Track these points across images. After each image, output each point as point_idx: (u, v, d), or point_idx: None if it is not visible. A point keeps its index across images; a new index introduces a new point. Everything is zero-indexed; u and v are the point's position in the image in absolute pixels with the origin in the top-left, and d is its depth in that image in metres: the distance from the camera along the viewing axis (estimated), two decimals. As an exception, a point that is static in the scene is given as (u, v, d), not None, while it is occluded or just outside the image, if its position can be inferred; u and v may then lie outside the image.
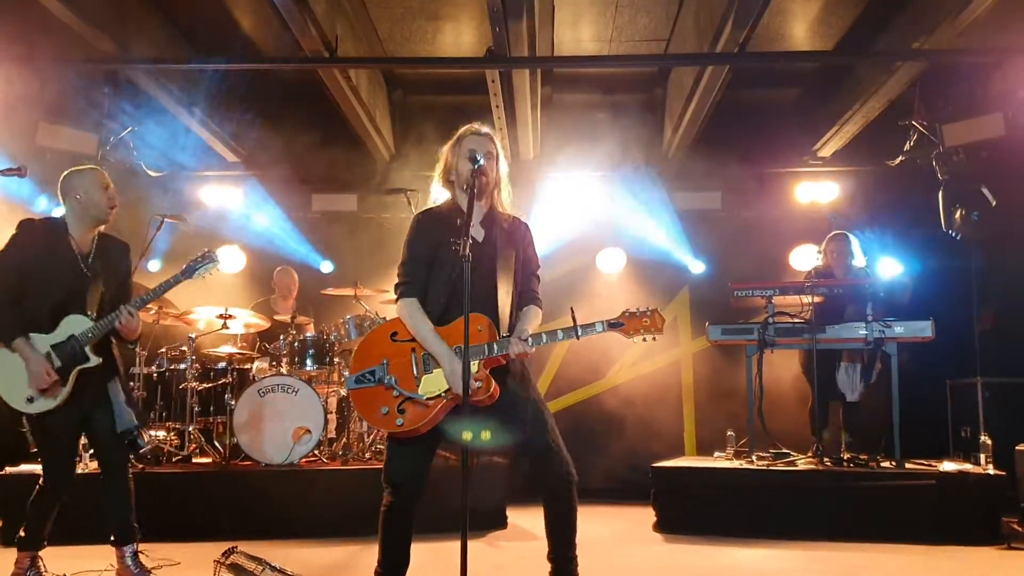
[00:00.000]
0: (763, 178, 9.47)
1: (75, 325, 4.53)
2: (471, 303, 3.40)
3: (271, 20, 6.90)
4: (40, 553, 4.73)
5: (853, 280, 7.32)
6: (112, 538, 4.74)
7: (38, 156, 7.21)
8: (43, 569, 4.71)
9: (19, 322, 4.47)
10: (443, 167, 3.98)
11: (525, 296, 3.94)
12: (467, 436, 3.36)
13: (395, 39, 8.13)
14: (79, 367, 4.52)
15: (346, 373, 7.65)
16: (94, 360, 4.54)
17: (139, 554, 4.78)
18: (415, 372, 3.71)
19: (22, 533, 4.68)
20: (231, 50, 7.88)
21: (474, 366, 3.58)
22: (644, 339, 3.77)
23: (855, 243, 7.53)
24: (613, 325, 3.73)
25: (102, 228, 4.78)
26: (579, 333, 3.70)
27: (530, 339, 3.68)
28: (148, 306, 7.40)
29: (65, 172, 4.77)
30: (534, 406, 3.78)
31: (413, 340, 3.77)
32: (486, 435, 3.58)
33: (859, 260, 7.51)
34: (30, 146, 7.19)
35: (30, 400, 4.47)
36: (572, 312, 3.78)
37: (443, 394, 3.65)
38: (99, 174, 4.78)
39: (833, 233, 7.68)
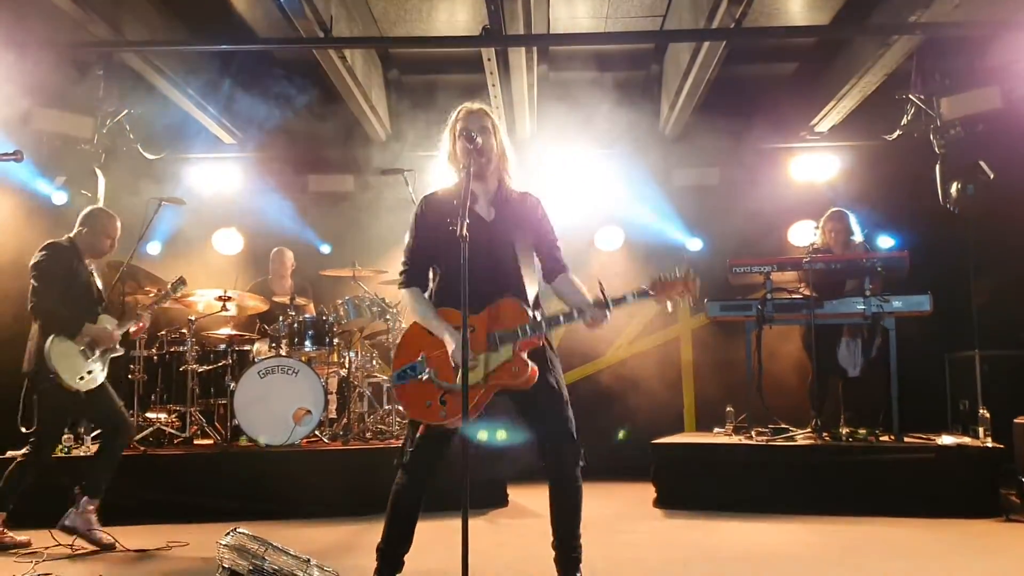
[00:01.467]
0: (760, 154, 9.45)
1: (108, 323, 5.61)
2: (496, 285, 3.43)
3: (265, 1, 6.86)
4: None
5: (850, 255, 7.31)
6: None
7: (34, 140, 7.18)
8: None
9: (77, 316, 5.50)
10: (447, 152, 3.96)
11: (554, 268, 3.93)
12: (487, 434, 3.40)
13: (389, 18, 8.08)
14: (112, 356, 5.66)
15: (346, 354, 7.67)
16: (118, 352, 5.67)
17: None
18: (453, 364, 3.69)
19: None
20: (226, 32, 7.86)
21: (508, 351, 3.60)
22: (679, 303, 3.74)
23: (853, 220, 7.52)
24: (643, 294, 3.69)
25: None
26: (610, 307, 3.65)
27: (570, 314, 3.68)
28: (146, 288, 7.44)
29: (89, 208, 5.87)
30: (557, 392, 3.78)
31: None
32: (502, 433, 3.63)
33: (858, 236, 7.51)
34: (26, 130, 7.16)
35: (82, 378, 5.41)
36: (600, 286, 3.72)
37: (482, 381, 3.63)
38: (109, 222, 5.77)
39: (831, 210, 7.67)
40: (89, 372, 5.46)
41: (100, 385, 5.56)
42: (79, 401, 5.46)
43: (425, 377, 3.72)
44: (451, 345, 3.66)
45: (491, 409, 3.66)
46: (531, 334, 3.62)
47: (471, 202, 3.65)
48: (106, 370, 5.63)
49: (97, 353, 5.53)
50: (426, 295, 3.93)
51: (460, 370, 3.54)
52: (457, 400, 3.60)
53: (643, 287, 3.67)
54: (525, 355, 3.64)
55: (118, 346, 5.69)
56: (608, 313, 3.64)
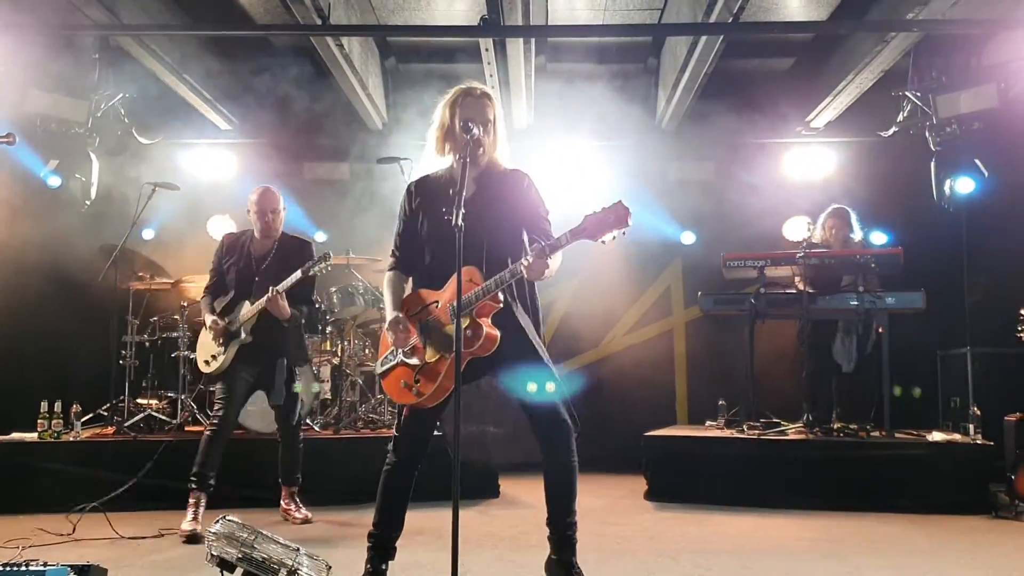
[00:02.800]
0: (756, 148, 9.44)
1: (240, 308, 5.76)
2: (467, 260, 3.40)
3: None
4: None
5: (844, 251, 7.33)
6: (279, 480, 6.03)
7: (28, 123, 7.15)
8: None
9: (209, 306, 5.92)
10: (439, 129, 3.91)
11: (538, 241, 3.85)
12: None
13: (388, 6, 8.05)
14: (235, 341, 5.72)
15: (338, 342, 7.66)
16: (245, 337, 5.69)
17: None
18: (421, 342, 3.74)
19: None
20: (223, 17, 7.82)
21: (465, 319, 3.56)
22: (614, 237, 3.52)
23: (854, 217, 7.54)
24: (577, 232, 3.53)
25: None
26: (548, 251, 3.53)
27: (530, 258, 3.54)
28: (139, 273, 7.41)
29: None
30: (539, 363, 3.76)
31: (419, 312, 3.79)
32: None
33: (857, 234, 7.53)
34: (20, 113, 7.13)
35: (207, 363, 5.85)
36: (534, 239, 3.72)
37: (445, 354, 3.64)
38: (260, 198, 5.92)
39: (833, 207, 7.68)
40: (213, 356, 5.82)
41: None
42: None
43: (400, 361, 3.78)
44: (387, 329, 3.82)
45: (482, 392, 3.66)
46: (482, 295, 3.59)
47: (457, 182, 3.58)
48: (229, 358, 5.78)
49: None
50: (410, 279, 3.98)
51: (427, 349, 3.68)
52: (430, 377, 3.66)
53: (576, 226, 3.54)
54: (485, 320, 3.62)
55: (245, 334, 5.76)
56: (547, 259, 3.53)
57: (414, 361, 3.74)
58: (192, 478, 5.51)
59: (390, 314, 3.82)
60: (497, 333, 3.63)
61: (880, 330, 7.17)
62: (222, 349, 5.75)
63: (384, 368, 3.89)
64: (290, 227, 8.76)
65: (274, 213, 5.90)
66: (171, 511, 5.72)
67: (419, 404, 3.74)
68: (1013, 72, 7.35)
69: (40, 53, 6.96)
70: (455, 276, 3.41)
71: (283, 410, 5.94)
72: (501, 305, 3.67)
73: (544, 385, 3.74)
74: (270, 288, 5.53)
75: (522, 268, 3.55)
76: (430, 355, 3.70)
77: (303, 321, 6.02)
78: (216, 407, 5.70)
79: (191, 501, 5.46)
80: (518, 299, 3.78)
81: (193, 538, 5.19)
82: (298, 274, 5.52)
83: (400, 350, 3.77)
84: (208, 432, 5.61)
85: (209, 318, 5.83)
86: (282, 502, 5.99)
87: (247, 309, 5.69)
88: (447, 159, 3.93)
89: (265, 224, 5.87)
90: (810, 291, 7.09)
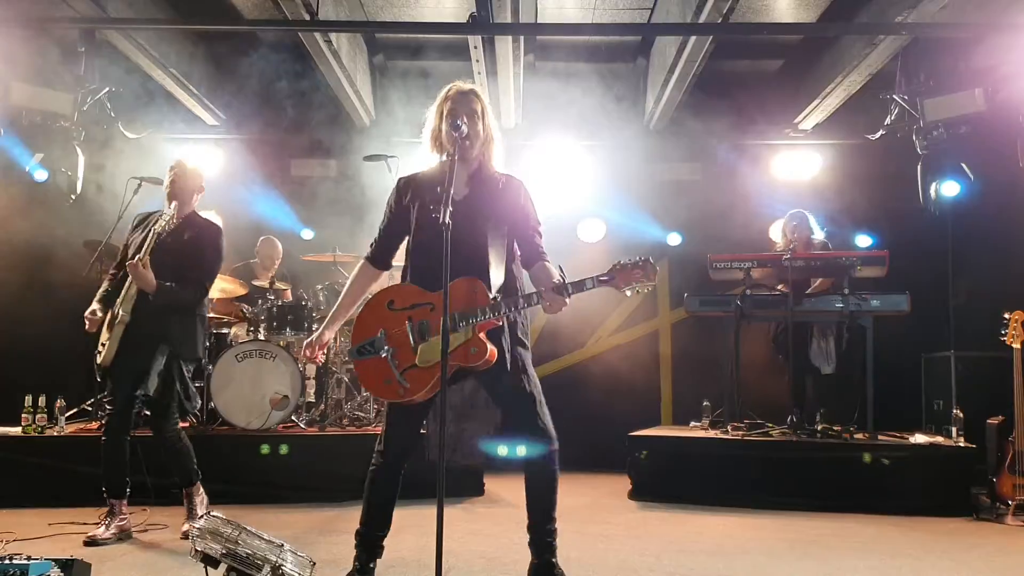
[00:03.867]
0: (744, 150, 9.48)
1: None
2: (455, 265, 3.39)
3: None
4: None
5: (831, 253, 7.38)
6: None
7: (13, 117, 7.10)
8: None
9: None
10: (431, 130, 3.92)
11: (531, 255, 3.87)
12: None
13: (376, 3, 8.04)
14: (115, 322, 5.13)
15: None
16: (122, 315, 5.10)
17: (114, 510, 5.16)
18: (412, 341, 3.70)
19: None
20: (211, 12, 7.78)
21: (466, 331, 3.57)
22: (638, 292, 3.64)
23: (813, 220, 7.60)
24: (603, 281, 3.61)
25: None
26: (569, 291, 3.59)
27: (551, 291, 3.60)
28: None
29: None
30: (524, 374, 3.77)
31: (410, 308, 3.75)
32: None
33: (818, 236, 7.58)
34: (4, 106, 7.08)
35: (98, 353, 5.23)
36: (560, 270, 3.71)
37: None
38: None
39: (791, 212, 7.76)
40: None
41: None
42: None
43: (384, 355, 3.73)
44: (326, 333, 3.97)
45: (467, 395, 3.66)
46: (491, 315, 3.58)
47: (446, 180, 3.59)
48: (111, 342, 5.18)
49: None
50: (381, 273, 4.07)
51: (419, 350, 3.64)
52: (418, 378, 3.64)
53: (603, 273, 3.62)
54: (483, 336, 3.62)
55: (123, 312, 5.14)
56: (567, 298, 3.59)
57: (399, 361, 3.71)
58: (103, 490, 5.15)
59: (330, 321, 3.97)
60: (495, 350, 3.63)
61: (847, 336, 7.27)
62: (108, 335, 5.20)
63: (361, 357, 3.81)
64: (277, 223, 8.73)
65: (173, 185, 5.43)
66: (157, 506, 5.70)
67: (401, 401, 3.73)
68: (1000, 76, 7.39)
69: (24, 46, 6.92)
70: (457, 283, 3.45)
71: (154, 407, 5.27)
72: (501, 323, 3.67)
73: (525, 396, 3.73)
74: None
75: (539, 301, 3.61)
76: (422, 359, 3.67)
77: (179, 298, 5.20)
78: (107, 407, 5.30)
79: (106, 508, 5.15)
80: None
81: (93, 542, 4.89)
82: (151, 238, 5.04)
83: (387, 346, 3.74)
84: (102, 439, 5.16)
85: (90, 308, 5.32)
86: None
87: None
88: (439, 157, 3.93)
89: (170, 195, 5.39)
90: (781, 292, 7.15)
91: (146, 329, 5.10)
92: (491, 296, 3.61)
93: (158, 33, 7.82)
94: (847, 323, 7.21)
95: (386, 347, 3.72)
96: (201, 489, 5.42)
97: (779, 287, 7.38)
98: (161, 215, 5.30)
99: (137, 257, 4.97)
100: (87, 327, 5.27)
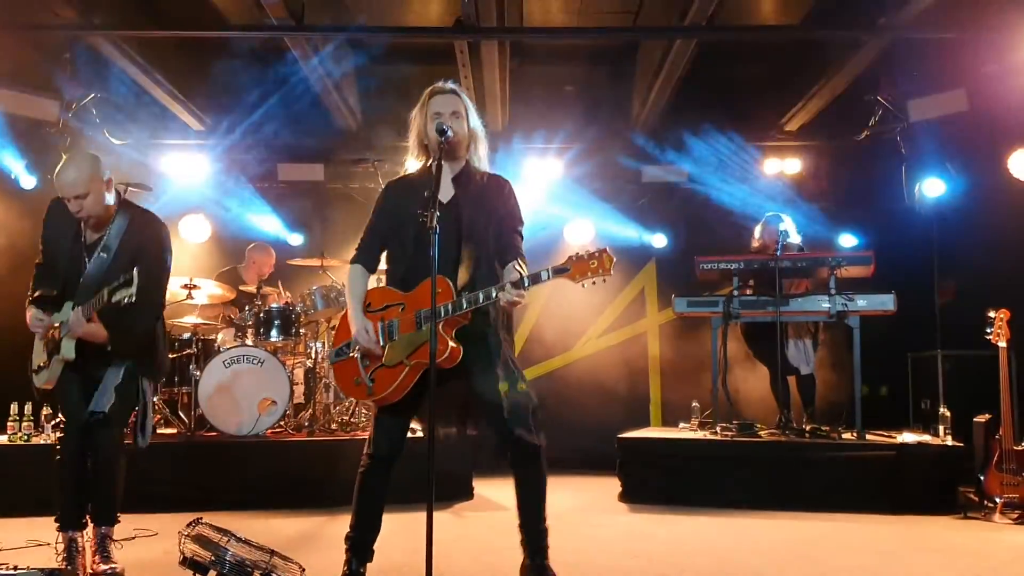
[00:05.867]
0: (730, 151, 9.50)
1: (66, 311, 4.37)
2: (441, 266, 3.39)
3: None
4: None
5: (815, 253, 7.41)
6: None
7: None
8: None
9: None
10: (415, 132, 3.92)
11: (508, 254, 3.81)
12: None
13: (361, 7, 8.03)
14: (56, 358, 4.41)
15: (312, 344, 7.64)
16: (66, 354, 4.32)
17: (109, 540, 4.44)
18: (380, 341, 3.73)
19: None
20: (196, 17, 7.76)
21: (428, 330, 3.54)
22: (594, 282, 3.55)
23: (789, 221, 7.63)
24: (559, 271, 3.55)
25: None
26: (526, 284, 3.54)
27: (509, 287, 3.53)
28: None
29: None
30: (505, 369, 3.74)
31: (383, 310, 3.78)
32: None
33: (794, 238, 7.61)
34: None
35: (35, 373, 4.60)
36: (519, 263, 3.70)
37: (405, 360, 3.65)
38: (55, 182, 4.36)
39: (768, 214, 7.81)
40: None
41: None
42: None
43: (355, 355, 3.79)
44: (352, 328, 3.79)
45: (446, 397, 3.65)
46: (452, 313, 3.57)
47: (433, 183, 3.59)
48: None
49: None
50: (370, 275, 3.99)
51: (409, 354, 3.64)
52: (384, 377, 3.68)
53: (559, 264, 3.57)
54: (450, 333, 3.61)
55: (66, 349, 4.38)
56: (523, 291, 3.55)
57: (368, 362, 3.75)
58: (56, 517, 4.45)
59: (356, 317, 3.80)
60: (460, 348, 3.62)
61: (822, 336, 7.37)
62: (44, 356, 4.55)
63: (338, 359, 3.90)
64: (265, 228, 8.65)
65: (80, 199, 4.29)
66: (145, 513, 5.67)
67: (371, 400, 3.78)
68: (982, 76, 7.45)
69: (10, 52, 6.90)
70: (426, 283, 3.44)
71: (99, 421, 4.37)
72: (467, 321, 3.67)
73: (511, 397, 3.70)
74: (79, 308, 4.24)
75: (496, 296, 3.55)
76: (388, 358, 3.69)
77: (137, 335, 4.46)
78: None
79: (63, 542, 4.39)
80: (489, 308, 3.75)
81: None
82: (95, 301, 4.15)
83: (358, 347, 3.76)
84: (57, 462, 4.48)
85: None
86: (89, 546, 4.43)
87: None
88: (424, 159, 3.94)
89: (75, 211, 4.36)
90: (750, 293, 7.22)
91: (95, 363, 4.41)
92: (454, 293, 3.61)
93: (143, 38, 7.79)
94: (821, 324, 7.29)
95: (357, 347, 3.78)
96: (113, 535, 4.48)
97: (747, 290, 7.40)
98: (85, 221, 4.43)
99: (77, 312, 4.22)
100: (40, 335, 4.53)
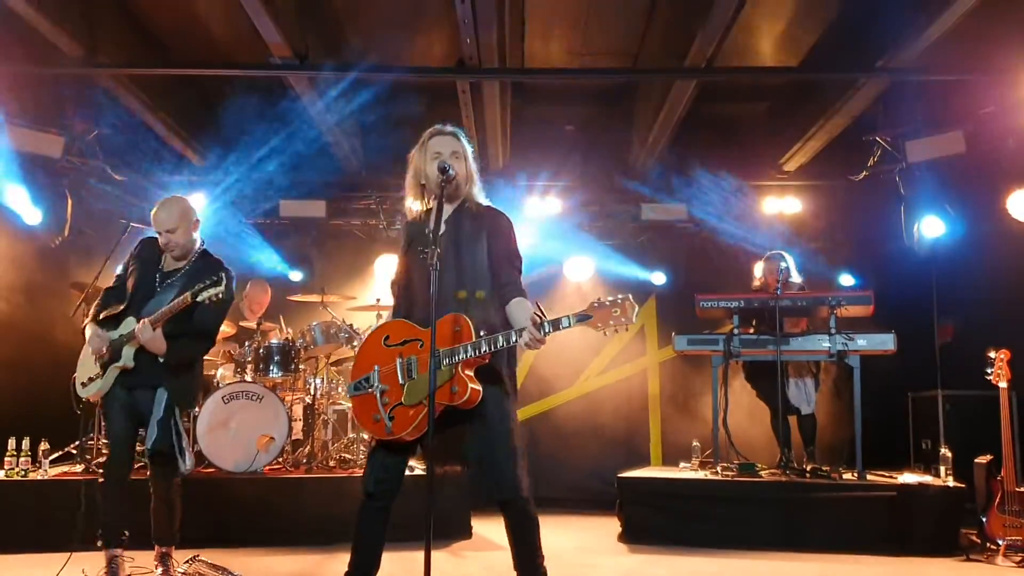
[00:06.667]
0: (729, 190, 9.55)
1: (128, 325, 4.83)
2: (441, 304, 3.40)
3: (241, 26, 6.86)
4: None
5: (815, 292, 7.43)
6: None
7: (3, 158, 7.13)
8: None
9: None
10: (412, 172, 3.96)
11: (507, 289, 3.81)
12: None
13: (364, 46, 8.10)
14: (114, 365, 4.83)
15: (311, 380, 7.63)
16: (126, 361, 4.79)
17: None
18: (400, 380, 3.70)
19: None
20: (200, 55, 7.84)
21: (449, 370, 3.55)
22: (616, 331, 3.51)
23: (792, 261, 7.64)
24: (581, 319, 3.53)
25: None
26: (547, 329, 3.52)
27: (528, 330, 3.52)
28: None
29: None
30: (499, 417, 3.72)
31: (401, 345, 3.75)
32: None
33: (796, 278, 7.62)
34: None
35: (83, 385, 5.01)
36: (538, 306, 3.66)
37: (424, 401, 3.58)
38: (153, 215, 5.02)
39: (770, 253, 7.82)
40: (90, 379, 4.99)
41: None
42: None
43: (374, 391, 3.74)
44: None
45: (447, 434, 3.63)
46: (472, 353, 3.56)
47: (432, 221, 3.63)
48: (107, 382, 4.93)
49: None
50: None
51: (405, 388, 3.62)
52: (403, 416, 3.63)
53: (581, 311, 3.55)
54: (469, 374, 3.60)
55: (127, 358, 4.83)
56: (544, 335, 3.54)
57: (388, 399, 3.71)
58: (98, 534, 4.92)
59: None
60: (480, 388, 3.59)
61: (822, 376, 7.39)
62: (96, 368, 4.96)
63: (357, 392, 3.84)
64: (267, 265, 8.65)
65: (169, 233, 4.95)
66: (142, 550, 5.62)
67: (388, 439, 3.72)
68: (980, 118, 7.51)
69: (15, 88, 6.95)
70: (443, 319, 3.47)
71: (155, 458, 4.94)
72: (487, 361, 3.66)
73: (505, 447, 3.68)
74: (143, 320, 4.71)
75: (517, 339, 3.54)
76: (408, 397, 3.66)
77: (191, 355, 5.05)
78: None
79: (105, 560, 4.89)
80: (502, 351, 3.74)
81: None
82: (179, 299, 4.67)
83: (378, 383, 3.73)
84: (100, 481, 5.02)
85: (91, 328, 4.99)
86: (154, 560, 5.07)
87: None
88: (424, 199, 3.97)
89: (163, 243, 4.99)
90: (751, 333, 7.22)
91: (145, 375, 4.83)
92: (474, 333, 3.60)
93: (147, 76, 7.86)
94: (822, 363, 7.28)
95: (377, 383, 3.73)
96: (173, 556, 5.09)
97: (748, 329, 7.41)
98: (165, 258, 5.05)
99: (144, 321, 4.68)
100: (95, 349, 4.91)
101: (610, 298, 3.53)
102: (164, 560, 5.01)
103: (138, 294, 4.90)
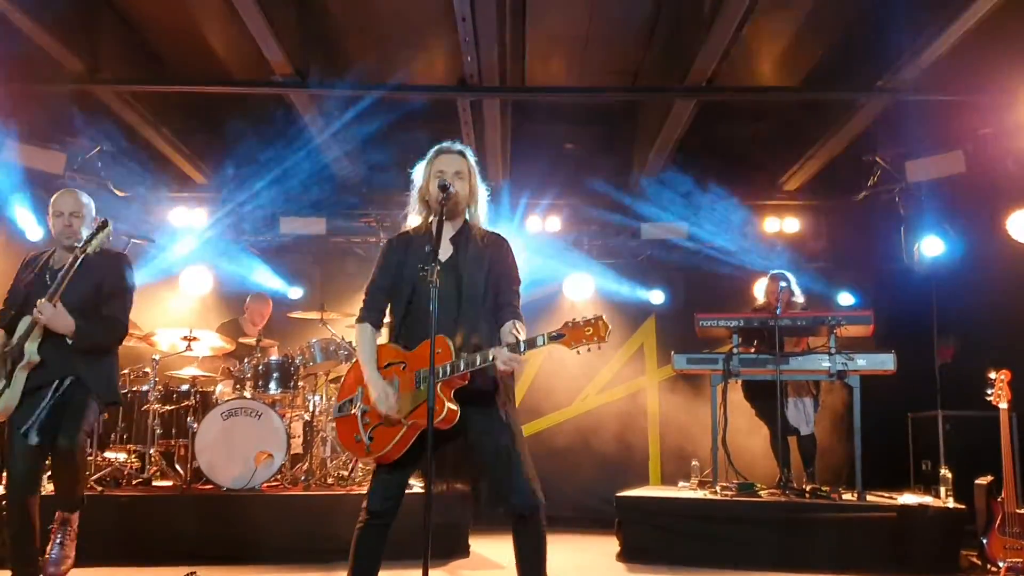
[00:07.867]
0: (730, 209, 9.57)
1: (25, 323, 4.59)
2: (439, 323, 3.40)
3: (243, 44, 6.90)
4: None
5: (814, 312, 7.42)
6: None
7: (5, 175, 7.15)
8: None
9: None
10: (419, 189, 3.96)
11: (504, 312, 3.81)
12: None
13: (365, 65, 8.14)
14: (19, 367, 4.52)
15: (310, 397, 7.62)
16: (29, 356, 4.50)
17: None
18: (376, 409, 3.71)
19: None
20: (202, 72, 7.87)
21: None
22: (588, 349, 3.54)
23: (794, 281, 7.64)
24: (554, 337, 3.54)
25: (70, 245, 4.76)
26: (522, 348, 3.53)
27: (505, 349, 3.52)
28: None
29: None
30: (502, 426, 3.72)
31: (385, 368, 3.77)
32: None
33: (799, 297, 7.61)
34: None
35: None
36: (515, 327, 3.69)
37: (404, 420, 3.62)
38: (55, 200, 4.90)
39: (772, 272, 7.79)
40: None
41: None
42: None
43: (356, 411, 3.77)
44: (371, 393, 3.69)
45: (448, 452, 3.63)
46: (450, 373, 3.56)
47: (433, 241, 3.63)
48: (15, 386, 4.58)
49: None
50: (378, 332, 3.95)
51: (407, 413, 3.61)
52: (383, 437, 3.65)
53: (556, 330, 3.56)
54: (448, 395, 3.59)
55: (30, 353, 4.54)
56: (520, 355, 3.54)
57: (368, 419, 3.72)
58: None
59: (374, 381, 3.72)
60: (457, 409, 3.59)
61: (822, 397, 7.39)
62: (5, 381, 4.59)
63: (340, 414, 3.88)
64: (266, 281, 8.65)
65: (73, 216, 4.81)
66: (140, 567, 5.62)
67: (370, 457, 3.74)
68: (979, 138, 7.53)
69: (17, 105, 6.97)
70: (427, 342, 3.45)
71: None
72: (466, 382, 3.64)
73: (512, 454, 3.68)
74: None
75: (493, 358, 3.53)
76: (388, 417, 3.68)
77: (101, 341, 4.77)
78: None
79: None
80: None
81: None
82: (72, 258, 4.52)
83: (360, 404, 3.75)
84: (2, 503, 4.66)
85: None
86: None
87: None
88: (426, 216, 3.97)
89: (62, 227, 4.80)
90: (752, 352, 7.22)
91: (54, 367, 4.53)
92: (453, 354, 3.59)
93: (149, 92, 7.89)
94: (822, 383, 7.29)
95: (359, 404, 3.77)
96: (76, 522, 4.74)
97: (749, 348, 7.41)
98: (54, 252, 4.86)
99: (41, 301, 4.44)
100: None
101: (584, 317, 3.56)
102: (63, 527, 4.71)
103: (33, 297, 4.57)
